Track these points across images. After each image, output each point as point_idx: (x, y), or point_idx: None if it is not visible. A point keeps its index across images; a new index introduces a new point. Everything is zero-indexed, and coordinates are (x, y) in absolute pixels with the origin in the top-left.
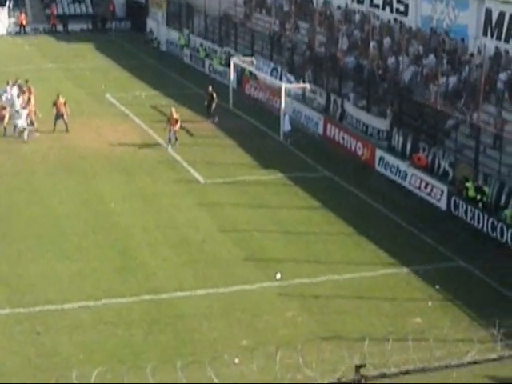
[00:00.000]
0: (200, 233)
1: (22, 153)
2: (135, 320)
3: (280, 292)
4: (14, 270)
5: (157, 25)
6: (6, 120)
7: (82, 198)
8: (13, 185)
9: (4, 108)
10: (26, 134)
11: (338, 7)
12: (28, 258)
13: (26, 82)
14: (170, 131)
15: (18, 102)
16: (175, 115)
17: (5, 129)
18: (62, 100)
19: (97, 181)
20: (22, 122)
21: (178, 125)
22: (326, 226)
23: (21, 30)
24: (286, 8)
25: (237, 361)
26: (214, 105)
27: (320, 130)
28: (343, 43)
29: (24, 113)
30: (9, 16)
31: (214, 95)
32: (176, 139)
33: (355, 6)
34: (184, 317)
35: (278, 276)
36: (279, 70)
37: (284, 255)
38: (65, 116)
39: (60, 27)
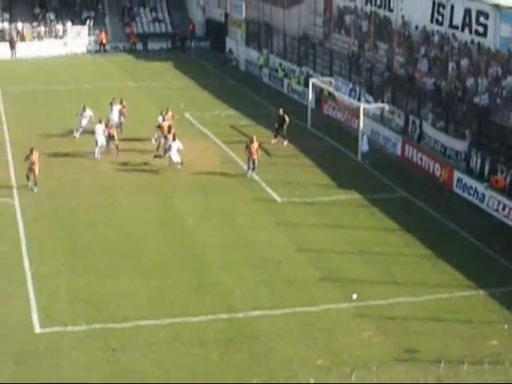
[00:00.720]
0: (276, 252)
1: (101, 170)
2: (211, 338)
3: (356, 313)
4: (92, 287)
5: (236, 44)
6: (117, 140)
7: (160, 216)
8: (92, 202)
9: (111, 127)
10: (179, 166)
11: (417, 28)
12: (105, 275)
13: (121, 101)
14: (249, 159)
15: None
16: (255, 143)
17: (117, 148)
18: (167, 122)
19: (175, 199)
20: (175, 156)
21: (258, 153)
22: (402, 247)
23: (101, 48)
24: (364, 28)
25: (312, 381)
26: (285, 127)
27: (398, 151)
28: (422, 64)
29: (175, 145)
30: (89, 34)
31: (286, 117)
32: (253, 168)
33: (434, 26)
34: (260, 336)
35: (355, 296)
36: (358, 90)
37: (360, 276)
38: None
39: (140, 46)
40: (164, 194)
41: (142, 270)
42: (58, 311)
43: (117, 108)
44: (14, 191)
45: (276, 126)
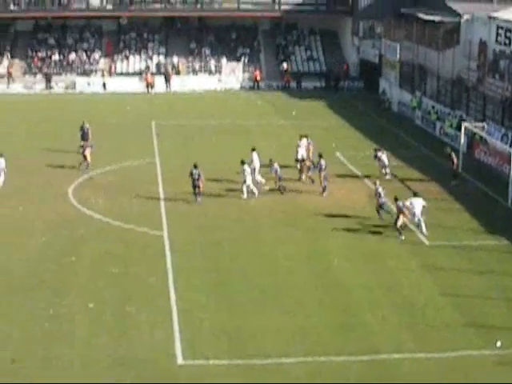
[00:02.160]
0: (422, 295)
1: (249, 206)
2: (352, 378)
3: (499, 360)
4: (235, 321)
5: (389, 85)
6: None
7: (306, 254)
8: (238, 236)
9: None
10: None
11: None
12: (249, 310)
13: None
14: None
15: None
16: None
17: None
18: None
19: (321, 237)
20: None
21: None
22: None
23: (254, 86)
24: None
25: None
26: (453, 167)
27: None
28: None
29: (418, 204)
30: (243, 71)
31: (453, 158)
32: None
33: None
34: (401, 379)
35: (499, 344)
36: (510, 135)
37: (506, 323)
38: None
39: (293, 84)
40: (310, 231)
41: (286, 306)
42: (201, 344)
43: (303, 144)
44: (164, 224)
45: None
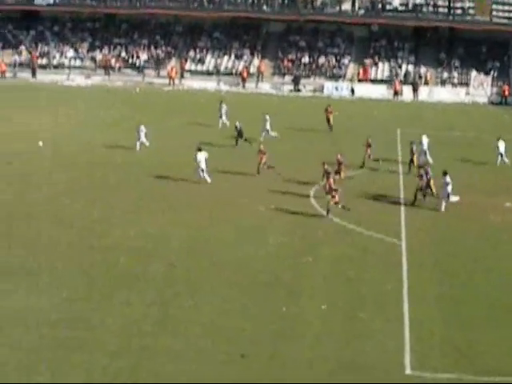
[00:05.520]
0: None
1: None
2: None
3: None
4: (465, 336)
5: None
6: None
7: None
8: (476, 251)
9: None
10: None
11: None
12: (480, 326)
13: None
14: None
15: None
16: None
17: None
18: None
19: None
20: None
21: None
22: None
23: (502, 100)
24: None
25: None
26: None
27: None
28: None
29: None
30: (492, 85)
31: None
32: None
33: None
34: None
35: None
36: None
37: None
38: None
39: None
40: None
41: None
42: (430, 356)
43: None
44: (403, 233)
45: None
